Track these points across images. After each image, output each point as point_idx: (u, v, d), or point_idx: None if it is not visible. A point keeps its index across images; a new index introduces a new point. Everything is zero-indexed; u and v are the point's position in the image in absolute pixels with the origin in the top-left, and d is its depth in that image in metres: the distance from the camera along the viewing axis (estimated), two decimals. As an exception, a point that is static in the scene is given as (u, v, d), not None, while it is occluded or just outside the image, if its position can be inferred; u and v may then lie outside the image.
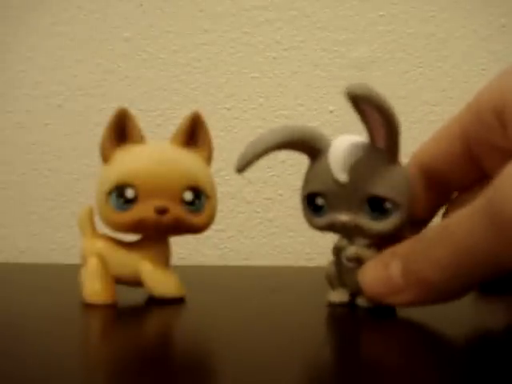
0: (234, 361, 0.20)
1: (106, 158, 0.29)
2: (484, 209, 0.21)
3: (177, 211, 0.28)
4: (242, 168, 0.26)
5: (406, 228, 0.27)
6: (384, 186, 0.26)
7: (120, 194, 0.28)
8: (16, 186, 0.54)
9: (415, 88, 0.52)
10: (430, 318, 0.26)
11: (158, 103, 0.53)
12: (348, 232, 0.27)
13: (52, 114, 0.54)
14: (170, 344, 0.23)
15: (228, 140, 0.52)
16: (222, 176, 0.51)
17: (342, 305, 0.28)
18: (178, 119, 0.31)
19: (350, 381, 0.18)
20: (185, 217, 0.28)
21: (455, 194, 0.29)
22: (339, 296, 0.28)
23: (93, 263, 0.29)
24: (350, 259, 0.27)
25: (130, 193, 0.28)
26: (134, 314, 0.28)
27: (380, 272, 0.25)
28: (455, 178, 0.27)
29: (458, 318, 0.27)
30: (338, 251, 0.28)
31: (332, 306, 0.28)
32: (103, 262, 0.29)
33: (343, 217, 0.27)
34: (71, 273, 0.31)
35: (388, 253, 0.26)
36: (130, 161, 0.29)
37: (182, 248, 0.49)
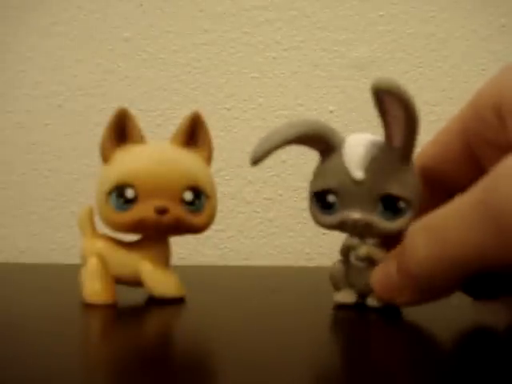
0: (233, 361, 0.20)
1: (105, 158, 0.29)
2: (479, 203, 0.21)
3: (177, 211, 0.28)
4: (257, 160, 0.26)
5: None
6: (399, 185, 0.26)
7: (120, 194, 0.28)
8: (16, 186, 0.54)
9: (415, 88, 0.52)
10: (430, 318, 0.26)
11: (158, 103, 0.53)
12: (358, 231, 0.27)
13: (52, 114, 0.54)
14: (170, 344, 0.23)
15: (228, 140, 0.52)
16: (222, 176, 0.51)
17: (349, 306, 0.28)
18: (178, 119, 0.31)
19: (350, 381, 0.18)
20: (185, 217, 0.28)
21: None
22: (346, 296, 0.28)
23: (93, 263, 0.29)
24: (361, 259, 0.27)
25: (129, 193, 0.28)
26: (134, 314, 0.28)
27: (383, 275, 0.26)
28: (455, 176, 0.27)
29: (459, 318, 0.27)
30: (347, 251, 0.28)
31: (338, 306, 0.28)
32: (103, 262, 0.29)
33: (355, 215, 0.26)
34: (71, 273, 0.31)
35: (390, 255, 0.26)
36: (130, 161, 0.29)
37: (181, 248, 0.49)
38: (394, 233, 0.26)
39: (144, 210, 0.28)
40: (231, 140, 0.52)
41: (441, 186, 0.28)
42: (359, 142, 0.26)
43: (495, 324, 0.27)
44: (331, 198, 0.27)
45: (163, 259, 0.30)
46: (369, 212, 0.26)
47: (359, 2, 0.53)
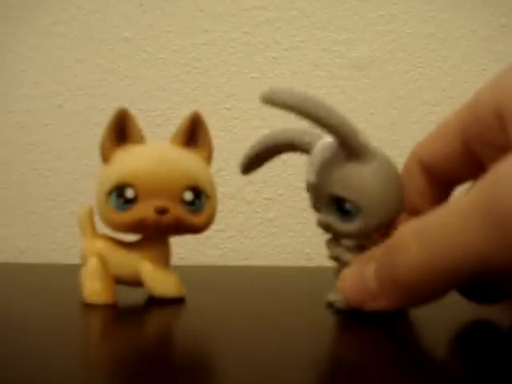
0: (233, 361, 0.20)
1: (105, 158, 0.29)
2: (478, 206, 0.20)
3: (177, 211, 0.28)
4: (244, 170, 0.28)
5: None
6: (341, 185, 0.25)
7: (120, 194, 0.28)
8: (16, 186, 0.54)
9: (415, 88, 0.52)
10: (428, 318, 0.26)
11: (158, 103, 0.53)
12: (326, 232, 0.27)
13: (52, 114, 0.54)
14: (170, 344, 0.23)
15: (228, 140, 0.52)
16: (221, 176, 0.51)
17: (335, 305, 0.28)
18: (178, 119, 0.31)
19: (350, 381, 0.18)
20: (185, 217, 0.28)
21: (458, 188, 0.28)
22: (337, 296, 0.28)
23: (93, 263, 0.29)
24: (331, 259, 0.28)
25: (129, 193, 0.28)
26: (134, 314, 0.28)
27: (356, 278, 0.25)
28: (456, 174, 0.27)
29: (459, 319, 0.27)
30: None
31: (330, 306, 0.28)
32: (103, 262, 0.29)
33: (318, 216, 0.27)
34: (71, 273, 0.31)
35: (364, 257, 0.25)
36: (130, 161, 0.29)
37: (181, 248, 0.49)
38: (351, 235, 0.26)
39: (144, 210, 0.28)
40: (231, 140, 0.52)
41: (442, 181, 0.28)
42: (320, 145, 0.27)
43: (494, 324, 0.27)
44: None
45: (163, 259, 0.30)
46: (328, 214, 0.27)
47: (359, 2, 0.53)
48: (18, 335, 0.23)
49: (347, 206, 0.26)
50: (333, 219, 0.26)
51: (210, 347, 0.22)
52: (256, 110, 0.53)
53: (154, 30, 0.54)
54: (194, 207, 0.29)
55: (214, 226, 0.30)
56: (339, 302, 0.27)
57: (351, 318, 0.26)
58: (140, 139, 0.29)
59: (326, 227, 0.27)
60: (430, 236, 0.22)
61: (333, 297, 0.28)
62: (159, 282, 0.29)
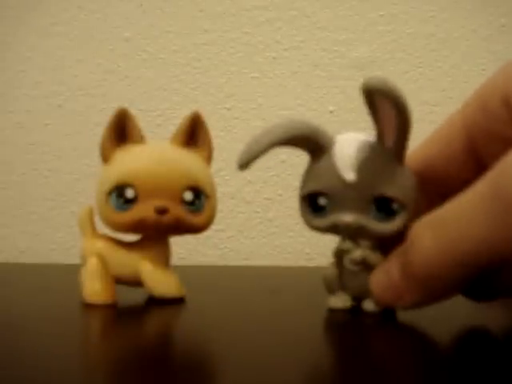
0: (233, 361, 0.20)
1: (105, 158, 0.29)
2: (488, 195, 0.20)
3: (177, 211, 0.28)
4: (244, 165, 0.25)
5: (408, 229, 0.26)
6: (392, 186, 0.25)
7: (120, 194, 0.28)
8: (16, 186, 0.54)
9: (415, 88, 0.52)
10: (428, 319, 0.26)
11: (158, 103, 0.53)
12: (351, 233, 0.26)
13: (52, 114, 0.54)
14: (170, 344, 0.23)
15: (228, 140, 0.52)
16: (221, 176, 0.51)
17: (344, 310, 0.27)
18: (178, 119, 0.31)
19: (350, 382, 0.18)
20: (185, 217, 0.28)
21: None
22: (341, 301, 0.27)
23: (93, 263, 0.29)
24: (356, 262, 0.26)
25: (129, 193, 0.28)
26: (133, 314, 0.28)
27: (384, 278, 0.25)
28: (453, 175, 0.26)
29: (458, 319, 0.27)
30: (340, 254, 0.27)
31: (333, 311, 0.28)
32: (103, 262, 0.29)
33: (347, 217, 0.26)
34: (71, 273, 0.31)
35: (390, 257, 0.25)
36: (130, 161, 0.29)
37: (181, 248, 0.49)
38: (388, 235, 0.26)
39: (144, 210, 0.28)
40: (231, 140, 0.52)
41: (440, 184, 0.27)
42: (350, 142, 0.26)
43: (492, 324, 0.27)
44: (322, 201, 0.26)
45: (163, 259, 0.30)
46: (361, 214, 0.26)
47: (359, 2, 0.53)
48: (17, 335, 0.23)
49: (394, 205, 0.25)
50: (367, 220, 0.26)
51: (209, 347, 0.22)
52: (256, 109, 0.53)
53: (154, 29, 0.54)
54: (194, 207, 0.29)
55: (214, 226, 0.30)
56: (368, 304, 0.27)
57: (351, 320, 0.26)
58: (140, 139, 0.29)
59: (355, 228, 0.26)
60: (442, 229, 0.22)
61: (334, 302, 0.28)
62: (159, 282, 0.29)
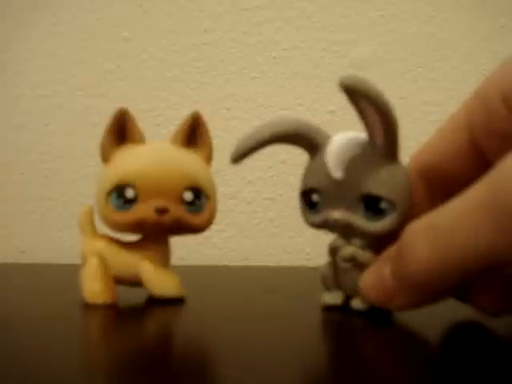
0: (233, 361, 0.20)
1: (105, 158, 0.29)
2: (487, 201, 0.20)
3: (177, 211, 0.28)
4: (236, 159, 0.26)
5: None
6: (380, 184, 0.25)
7: (120, 193, 0.28)
8: (16, 186, 0.54)
9: (415, 88, 0.52)
10: (426, 319, 0.26)
11: (158, 103, 0.53)
12: (343, 231, 0.27)
13: (52, 114, 0.54)
14: (170, 344, 0.23)
15: (228, 140, 0.52)
16: (221, 176, 0.51)
17: (335, 307, 0.27)
18: (178, 119, 0.31)
19: (350, 382, 0.18)
20: (185, 217, 0.28)
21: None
22: (333, 298, 0.28)
23: (93, 263, 0.29)
24: (345, 260, 0.27)
25: (130, 193, 0.28)
26: (133, 314, 0.28)
27: (375, 278, 0.25)
28: (458, 176, 0.26)
29: (452, 318, 0.27)
30: (333, 251, 0.27)
31: (326, 308, 0.28)
32: (103, 262, 0.29)
33: (335, 214, 0.26)
34: (71, 273, 0.31)
35: (382, 257, 0.25)
36: (130, 161, 0.29)
37: (182, 248, 0.49)
38: (377, 234, 0.26)
39: (144, 210, 0.28)
40: (231, 140, 0.52)
41: (445, 183, 0.27)
42: (342, 140, 0.26)
43: (486, 323, 0.27)
44: (315, 198, 0.27)
45: (163, 259, 0.30)
46: (351, 212, 0.26)
47: (359, 2, 0.53)
48: (17, 335, 0.23)
49: (383, 204, 0.25)
50: (356, 218, 0.26)
51: (209, 347, 0.22)
52: (256, 109, 0.53)
53: (154, 29, 0.54)
54: (194, 207, 0.29)
55: (214, 226, 0.30)
56: (356, 302, 0.27)
57: (350, 320, 0.26)
58: (140, 139, 0.29)
59: (343, 225, 0.26)
60: (437, 232, 0.22)
61: (327, 298, 0.28)
62: (159, 281, 0.29)
